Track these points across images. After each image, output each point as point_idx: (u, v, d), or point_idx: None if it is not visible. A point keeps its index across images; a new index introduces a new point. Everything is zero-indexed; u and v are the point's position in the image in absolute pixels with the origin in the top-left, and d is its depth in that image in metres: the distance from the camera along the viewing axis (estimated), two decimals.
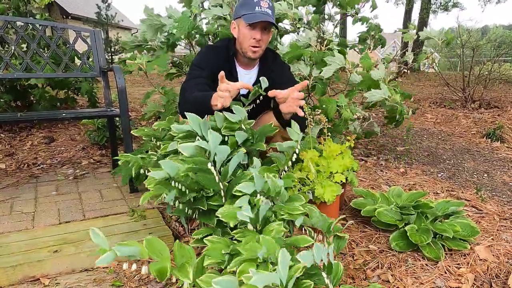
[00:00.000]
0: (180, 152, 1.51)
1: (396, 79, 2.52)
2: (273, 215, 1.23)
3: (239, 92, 1.45)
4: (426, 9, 14.78)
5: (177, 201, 1.30)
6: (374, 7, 2.68)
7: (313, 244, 1.05)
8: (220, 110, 1.44)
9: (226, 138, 1.44)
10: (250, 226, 1.16)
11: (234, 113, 1.43)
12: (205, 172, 1.25)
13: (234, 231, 1.15)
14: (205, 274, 1.02)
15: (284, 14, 2.24)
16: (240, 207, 1.17)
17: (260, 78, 1.57)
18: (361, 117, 2.47)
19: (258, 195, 1.21)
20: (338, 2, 2.61)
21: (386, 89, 2.22)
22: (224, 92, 1.33)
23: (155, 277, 0.91)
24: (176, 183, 1.23)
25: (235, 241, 1.13)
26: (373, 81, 2.29)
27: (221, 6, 2.23)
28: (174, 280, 1.14)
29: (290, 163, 1.46)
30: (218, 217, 1.17)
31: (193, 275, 0.97)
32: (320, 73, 2.26)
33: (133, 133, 1.72)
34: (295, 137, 1.42)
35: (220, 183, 1.24)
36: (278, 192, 1.26)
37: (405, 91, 2.58)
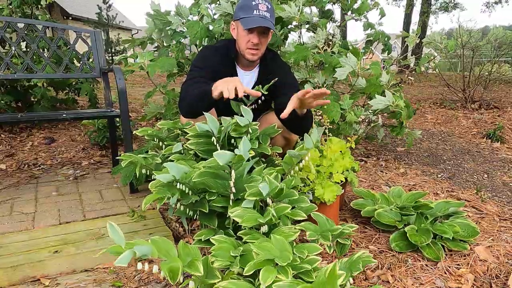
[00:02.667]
0: (184, 153, 1.52)
1: (400, 85, 2.53)
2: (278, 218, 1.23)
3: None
4: (426, 12, 14.80)
5: (179, 202, 1.30)
6: (382, 14, 2.70)
7: (320, 252, 1.06)
8: (225, 110, 1.46)
9: (232, 141, 1.45)
10: (263, 229, 1.15)
11: (235, 113, 1.44)
12: (215, 177, 1.25)
13: (241, 232, 1.15)
14: (212, 273, 1.02)
15: (293, 17, 2.24)
16: (249, 208, 1.17)
17: (273, 80, 1.57)
18: (367, 120, 2.47)
19: (267, 197, 1.21)
20: (346, 7, 2.62)
21: (391, 96, 2.23)
22: (233, 86, 1.31)
23: (167, 277, 0.90)
24: (180, 185, 1.23)
25: (240, 242, 1.13)
26: (378, 87, 2.30)
27: (234, 3, 2.22)
28: (179, 280, 1.14)
29: (297, 168, 1.46)
30: (227, 220, 1.17)
31: (203, 270, 0.97)
32: (333, 82, 2.27)
33: (136, 133, 1.72)
34: (310, 145, 1.43)
35: (233, 187, 1.24)
36: (284, 195, 1.26)
37: (405, 91, 2.59)
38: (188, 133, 1.45)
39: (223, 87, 1.34)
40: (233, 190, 1.25)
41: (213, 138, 1.38)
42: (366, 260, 1.22)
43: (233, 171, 1.21)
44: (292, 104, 1.38)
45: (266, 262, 0.98)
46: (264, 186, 1.15)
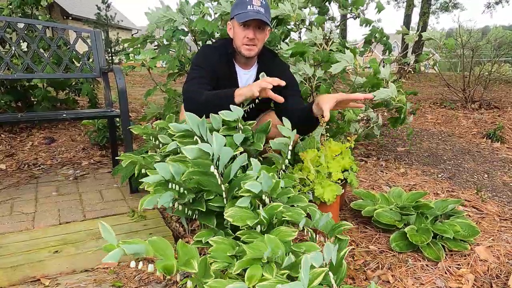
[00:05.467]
0: (180, 152, 1.51)
1: (399, 80, 2.53)
2: (275, 216, 1.23)
3: None
4: (427, 12, 14.81)
5: (176, 202, 1.30)
6: (380, 9, 2.68)
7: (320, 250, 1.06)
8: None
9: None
10: (259, 228, 1.15)
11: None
12: (207, 175, 1.24)
13: (239, 232, 1.15)
14: (208, 273, 1.02)
15: (288, 15, 2.24)
16: (245, 207, 1.17)
17: (260, 75, 1.57)
18: (365, 118, 2.46)
19: (264, 195, 1.20)
20: (342, 4, 2.61)
21: (394, 88, 2.23)
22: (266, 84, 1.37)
23: (162, 274, 0.90)
24: (174, 185, 1.23)
25: (239, 242, 1.12)
26: (377, 81, 2.29)
27: (232, 1, 2.22)
28: (177, 279, 1.14)
29: (287, 162, 1.45)
30: (225, 219, 1.16)
31: (198, 268, 0.97)
32: (324, 72, 2.26)
33: (132, 131, 1.71)
34: (286, 133, 1.42)
35: (222, 185, 1.24)
36: (280, 193, 1.26)
37: (404, 84, 2.58)
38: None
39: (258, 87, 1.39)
40: (223, 188, 1.24)
41: (196, 137, 1.36)
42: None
43: (212, 167, 1.19)
44: (329, 107, 1.37)
45: (254, 261, 0.98)
46: (253, 184, 1.15)
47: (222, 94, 1.51)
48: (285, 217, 1.20)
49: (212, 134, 1.25)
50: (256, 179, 1.22)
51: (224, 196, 1.25)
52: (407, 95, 2.41)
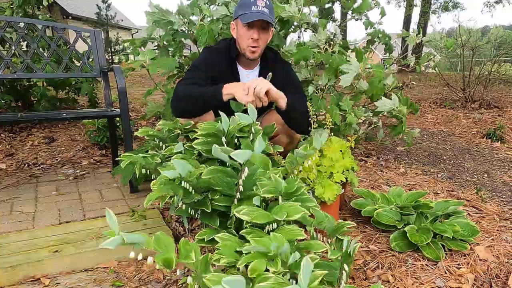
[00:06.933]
0: (185, 153, 1.51)
1: (401, 88, 2.53)
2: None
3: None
4: (427, 12, 14.85)
5: (181, 201, 1.30)
6: (382, 14, 2.70)
7: (325, 249, 1.06)
8: (223, 110, 1.45)
9: (236, 140, 1.45)
10: (269, 227, 1.15)
11: (233, 113, 1.44)
12: (225, 175, 1.25)
13: (243, 231, 1.15)
14: (209, 269, 1.02)
15: (293, 16, 2.24)
16: (257, 206, 1.18)
17: (267, 76, 1.57)
18: (367, 122, 2.46)
19: (278, 195, 1.21)
20: (345, 5, 2.61)
21: (397, 100, 2.25)
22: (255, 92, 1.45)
23: (162, 274, 0.91)
24: (184, 183, 1.23)
25: (243, 242, 1.12)
26: (380, 89, 2.31)
27: (229, 2, 2.23)
28: (177, 273, 1.14)
29: (300, 168, 1.45)
30: (229, 220, 1.16)
31: (199, 265, 0.97)
32: (335, 83, 2.29)
33: (136, 134, 1.71)
34: (318, 146, 1.42)
35: (241, 186, 1.24)
36: (292, 194, 1.26)
37: (405, 90, 2.59)
38: (192, 133, 1.45)
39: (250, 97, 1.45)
40: (241, 188, 1.24)
41: (223, 138, 1.38)
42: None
43: (246, 169, 1.20)
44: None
45: (259, 255, 0.98)
46: (277, 183, 1.16)
47: (210, 92, 1.54)
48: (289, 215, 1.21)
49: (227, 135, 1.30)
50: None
51: (238, 196, 1.26)
52: (408, 111, 2.43)
